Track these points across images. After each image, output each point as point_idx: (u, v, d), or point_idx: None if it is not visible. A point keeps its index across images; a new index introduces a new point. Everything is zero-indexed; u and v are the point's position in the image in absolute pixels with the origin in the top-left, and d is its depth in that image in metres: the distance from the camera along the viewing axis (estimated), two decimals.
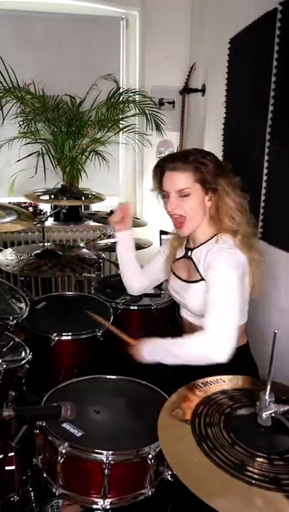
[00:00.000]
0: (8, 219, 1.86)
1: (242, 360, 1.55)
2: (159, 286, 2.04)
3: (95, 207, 3.34)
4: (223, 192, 1.38)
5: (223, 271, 1.33)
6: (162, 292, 2.12)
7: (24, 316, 1.71)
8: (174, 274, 1.58)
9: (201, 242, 1.46)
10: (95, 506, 1.19)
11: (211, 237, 1.44)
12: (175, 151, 3.41)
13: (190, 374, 1.26)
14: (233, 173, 1.46)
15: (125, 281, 1.81)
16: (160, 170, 1.44)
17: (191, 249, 1.50)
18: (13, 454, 1.25)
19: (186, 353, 1.33)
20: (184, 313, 1.59)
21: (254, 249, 1.43)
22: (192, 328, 1.54)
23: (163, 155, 3.45)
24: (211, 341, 1.29)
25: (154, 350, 1.39)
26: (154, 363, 1.37)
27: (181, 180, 1.37)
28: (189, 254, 1.49)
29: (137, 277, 1.78)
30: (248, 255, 1.40)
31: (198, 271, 1.44)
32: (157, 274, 1.73)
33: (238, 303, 1.32)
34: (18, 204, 3.10)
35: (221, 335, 1.28)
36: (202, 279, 1.42)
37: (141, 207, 3.62)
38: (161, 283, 1.87)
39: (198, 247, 1.47)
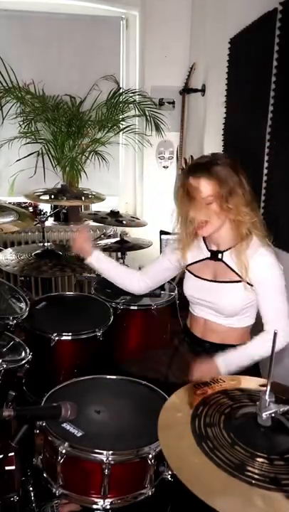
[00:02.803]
0: (8, 219, 1.86)
1: None
2: (161, 287, 2.04)
3: (95, 207, 3.34)
4: (240, 196, 1.42)
5: (276, 273, 1.44)
6: (162, 292, 2.12)
7: (24, 316, 1.71)
8: (193, 274, 1.59)
9: (230, 246, 1.49)
10: (95, 506, 1.19)
11: (240, 241, 1.46)
12: (175, 151, 3.41)
13: (191, 374, 1.27)
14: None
15: (124, 288, 1.81)
16: (185, 176, 1.49)
17: (220, 252, 1.52)
18: (13, 454, 1.25)
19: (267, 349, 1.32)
20: (201, 312, 1.59)
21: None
22: (207, 326, 1.56)
23: (163, 155, 3.45)
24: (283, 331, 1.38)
25: (232, 363, 1.41)
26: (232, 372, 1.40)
27: (205, 188, 1.41)
28: (220, 256, 1.51)
29: (134, 278, 1.75)
30: None
31: (234, 272, 1.47)
32: (163, 274, 1.72)
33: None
34: (18, 204, 3.11)
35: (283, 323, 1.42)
36: (240, 281, 1.46)
37: (141, 207, 3.62)
38: (163, 284, 1.87)
39: (227, 249, 1.50)
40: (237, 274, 1.47)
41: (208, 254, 1.55)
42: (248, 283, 1.44)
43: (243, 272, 1.44)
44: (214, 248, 1.54)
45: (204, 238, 1.55)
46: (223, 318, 1.51)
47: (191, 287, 1.59)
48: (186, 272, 1.62)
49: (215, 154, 1.50)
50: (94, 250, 1.72)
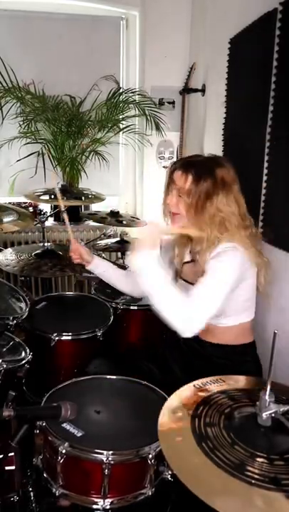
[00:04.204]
0: (8, 219, 1.87)
1: (248, 359, 1.56)
2: None
3: (94, 207, 3.34)
4: (221, 203, 1.41)
5: (226, 263, 1.38)
6: None
7: (24, 316, 1.71)
8: (182, 279, 1.59)
9: (209, 247, 1.46)
10: (95, 506, 1.19)
11: (218, 243, 1.44)
12: (175, 151, 3.41)
13: (191, 374, 1.27)
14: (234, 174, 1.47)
15: (128, 293, 1.84)
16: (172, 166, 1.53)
17: (198, 254, 1.50)
18: (13, 454, 1.25)
19: (168, 302, 1.33)
20: None
21: (261, 254, 1.49)
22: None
23: (163, 155, 3.45)
24: (186, 314, 1.32)
25: (149, 266, 1.33)
26: (137, 268, 1.34)
27: (178, 179, 1.44)
28: (197, 258, 1.50)
29: (132, 281, 1.75)
30: (255, 260, 1.45)
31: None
32: None
33: (223, 297, 1.36)
34: (18, 204, 3.11)
35: (196, 313, 1.33)
36: None
37: (141, 207, 3.62)
38: None
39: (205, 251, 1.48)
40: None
41: (191, 257, 1.55)
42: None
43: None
44: (196, 250, 1.52)
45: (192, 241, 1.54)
46: (216, 319, 1.48)
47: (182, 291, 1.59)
48: (179, 278, 1.62)
49: (212, 159, 1.49)
50: (92, 261, 1.76)
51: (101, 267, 1.78)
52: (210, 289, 1.36)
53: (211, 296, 1.35)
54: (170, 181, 1.49)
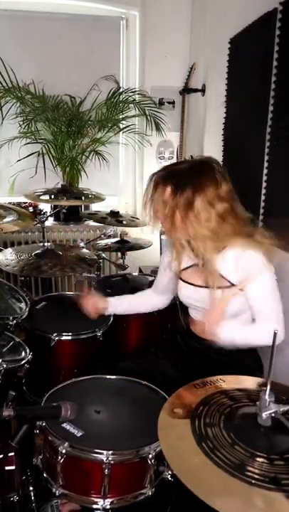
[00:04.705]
0: (8, 219, 1.87)
1: (248, 359, 1.56)
2: None
3: (94, 207, 3.34)
4: (206, 209, 1.37)
5: (265, 274, 1.41)
6: None
7: (24, 316, 1.71)
8: (184, 281, 1.59)
9: (215, 252, 1.44)
10: (95, 506, 1.19)
11: (224, 247, 1.44)
12: (175, 151, 3.41)
13: (191, 374, 1.27)
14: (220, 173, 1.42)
15: (152, 311, 1.86)
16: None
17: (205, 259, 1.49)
18: (13, 454, 1.25)
19: (257, 338, 1.42)
20: (198, 315, 1.59)
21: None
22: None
23: (163, 155, 3.45)
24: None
25: (233, 331, 1.41)
26: (224, 342, 1.40)
27: (160, 191, 1.41)
28: (206, 263, 1.49)
29: (152, 300, 1.80)
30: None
31: (223, 277, 1.44)
32: (173, 282, 1.69)
33: (279, 295, 1.44)
34: (18, 204, 3.11)
35: (278, 321, 1.42)
36: (231, 285, 1.44)
37: (141, 207, 3.62)
38: None
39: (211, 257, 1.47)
40: (226, 279, 1.44)
41: (196, 261, 1.55)
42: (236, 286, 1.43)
43: (232, 276, 1.43)
44: (200, 255, 1.50)
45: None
46: (234, 318, 1.49)
47: (185, 294, 1.59)
48: (179, 279, 1.62)
49: (194, 167, 1.43)
50: (107, 305, 1.74)
51: (119, 306, 1.77)
52: (273, 305, 1.43)
53: (277, 310, 1.43)
54: (153, 190, 1.45)
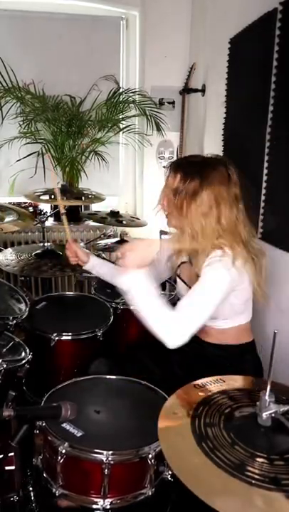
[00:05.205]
0: (8, 219, 1.87)
1: (248, 358, 1.56)
2: (163, 288, 2.04)
3: (94, 207, 3.34)
4: (206, 205, 1.38)
5: (216, 274, 1.35)
6: (162, 293, 2.12)
7: (24, 316, 1.71)
8: (179, 277, 1.59)
9: (202, 252, 1.44)
10: (94, 506, 1.19)
11: (211, 249, 1.42)
12: (175, 151, 3.41)
13: (191, 374, 1.27)
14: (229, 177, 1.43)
15: None
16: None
17: (193, 257, 1.50)
18: (13, 454, 1.25)
19: (154, 316, 1.34)
20: None
21: (255, 257, 1.44)
22: (201, 328, 1.55)
23: (163, 155, 3.46)
24: (170, 327, 1.30)
25: (138, 285, 1.34)
26: (126, 289, 1.35)
27: (171, 179, 1.45)
28: (192, 262, 1.50)
29: None
30: (249, 264, 1.40)
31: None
32: (158, 276, 1.70)
33: (212, 308, 1.33)
34: (18, 204, 3.11)
35: (184, 326, 1.30)
36: None
37: (141, 207, 3.62)
38: (165, 284, 1.86)
39: (199, 256, 1.46)
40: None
41: (186, 258, 1.55)
42: None
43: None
44: (193, 253, 1.51)
45: None
46: (213, 322, 1.48)
47: (179, 291, 1.60)
48: (176, 275, 1.62)
49: (206, 160, 1.45)
50: (90, 257, 1.78)
51: (98, 267, 1.78)
52: (196, 302, 1.33)
53: (196, 310, 1.32)
54: (167, 176, 1.50)
